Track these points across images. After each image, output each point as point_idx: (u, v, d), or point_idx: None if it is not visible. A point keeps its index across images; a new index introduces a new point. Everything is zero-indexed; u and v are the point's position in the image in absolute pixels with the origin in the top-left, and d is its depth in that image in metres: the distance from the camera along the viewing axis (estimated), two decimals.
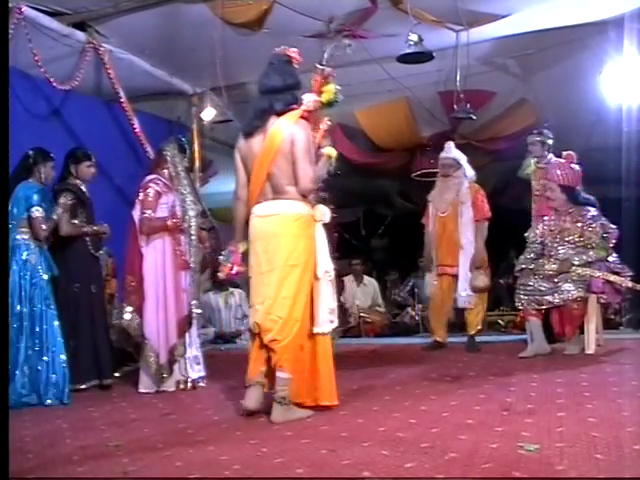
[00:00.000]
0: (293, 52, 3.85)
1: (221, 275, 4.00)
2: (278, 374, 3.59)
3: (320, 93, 3.82)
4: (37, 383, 4.60)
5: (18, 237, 4.67)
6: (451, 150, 6.23)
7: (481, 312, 6.04)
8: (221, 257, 3.95)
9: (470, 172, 6.16)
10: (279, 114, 3.70)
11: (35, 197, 4.72)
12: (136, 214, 4.91)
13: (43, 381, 4.61)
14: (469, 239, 5.98)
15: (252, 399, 3.68)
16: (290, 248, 3.63)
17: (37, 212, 4.67)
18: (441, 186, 6.24)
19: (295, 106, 3.75)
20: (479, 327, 6.06)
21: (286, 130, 3.65)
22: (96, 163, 5.34)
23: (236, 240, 3.90)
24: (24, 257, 4.67)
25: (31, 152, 4.91)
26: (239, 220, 3.88)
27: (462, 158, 6.19)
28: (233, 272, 3.91)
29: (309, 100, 3.76)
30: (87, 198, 5.25)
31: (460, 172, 6.13)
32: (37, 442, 3.47)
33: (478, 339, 6.24)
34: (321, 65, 3.94)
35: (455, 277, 6.09)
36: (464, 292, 5.98)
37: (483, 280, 5.97)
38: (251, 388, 3.69)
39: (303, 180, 3.64)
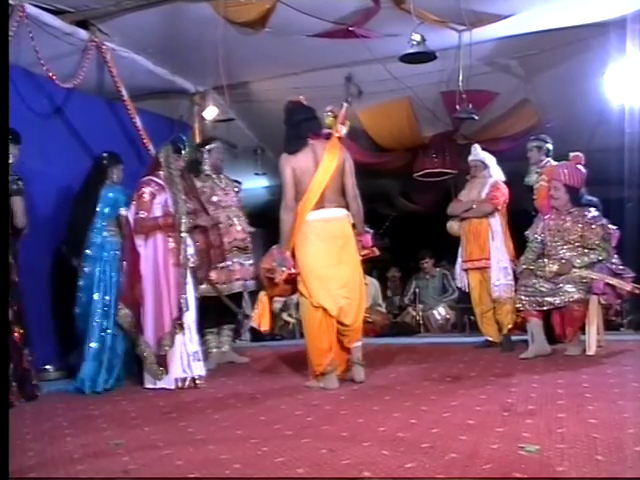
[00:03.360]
0: (302, 99, 4.74)
1: (278, 278, 4.50)
2: (355, 344, 4.59)
3: (344, 124, 4.75)
4: (114, 367, 5.12)
5: (106, 234, 5.24)
6: (477, 152, 6.26)
7: (510, 312, 5.97)
8: (274, 263, 4.50)
9: (496, 173, 6.18)
10: (316, 137, 4.60)
11: (124, 199, 5.27)
12: (131, 214, 5.01)
13: (120, 365, 5.17)
14: (494, 231, 6.01)
15: (336, 381, 4.49)
16: (353, 244, 4.60)
17: (125, 211, 5.10)
18: (469, 186, 6.34)
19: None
20: (510, 326, 6.02)
21: (340, 152, 4.60)
22: None
23: (286, 246, 4.52)
24: (112, 253, 5.22)
25: (105, 155, 5.52)
26: (290, 229, 4.50)
27: (489, 159, 6.23)
28: (291, 274, 4.51)
29: (343, 130, 4.71)
30: None
31: (485, 172, 6.18)
32: (37, 440, 3.47)
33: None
34: (347, 102, 5.03)
35: (484, 269, 6.08)
36: (498, 282, 5.95)
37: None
38: (333, 373, 4.50)
39: (354, 191, 4.65)
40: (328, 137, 4.65)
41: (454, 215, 6.37)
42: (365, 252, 4.75)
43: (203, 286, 5.57)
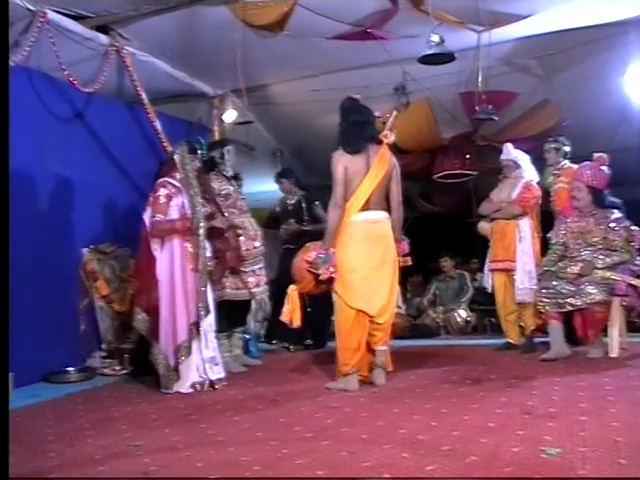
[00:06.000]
0: (359, 97, 4.84)
1: (323, 277, 4.53)
2: (381, 347, 4.66)
3: (392, 131, 4.75)
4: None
5: None
6: (509, 151, 6.20)
7: (534, 315, 5.90)
8: (319, 260, 4.50)
9: (529, 173, 6.09)
10: (370, 140, 4.65)
11: None
12: (147, 217, 4.92)
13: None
14: (524, 233, 5.95)
15: (356, 383, 4.52)
16: (393, 246, 4.67)
17: None
18: (500, 186, 6.28)
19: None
20: (532, 327, 5.98)
21: (390, 158, 4.68)
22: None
23: (330, 243, 4.57)
24: None
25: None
26: (336, 226, 4.56)
27: (522, 158, 6.15)
28: (333, 273, 4.52)
29: (391, 137, 4.71)
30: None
31: (517, 172, 6.10)
32: (59, 441, 3.50)
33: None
34: (397, 110, 5.12)
35: (508, 272, 6.05)
36: (522, 285, 5.90)
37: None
38: (354, 375, 4.54)
39: (399, 197, 4.73)
40: (380, 142, 4.69)
41: (485, 215, 6.33)
42: (398, 259, 4.78)
43: (228, 290, 5.59)
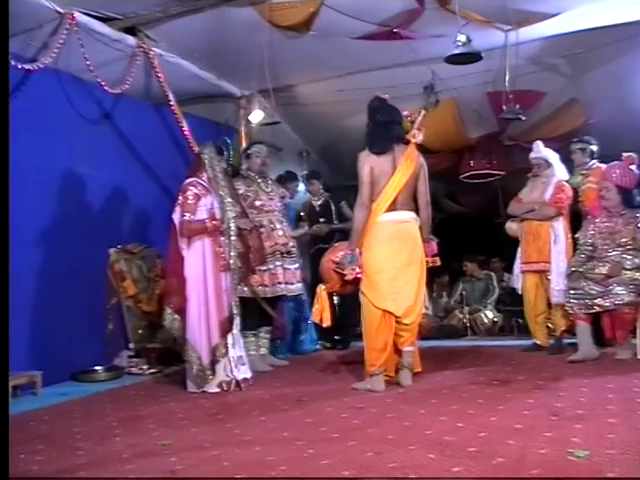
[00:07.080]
0: (387, 97, 4.83)
1: (349, 277, 4.54)
2: (407, 348, 4.64)
3: (420, 130, 4.74)
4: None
5: None
6: (539, 149, 6.12)
7: (565, 315, 5.83)
8: (345, 261, 4.53)
9: (560, 172, 6.02)
10: (400, 141, 4.65)
11: None
12: (176, 217, 4.95)
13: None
14: (557, 234, 5.89)
15: (382, 384, 4.51)
16: (421, 246, 4.67)
17: None
18: (531, 185, 6.20)
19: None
20: (563, 328, 5.92)
21: (417, 158, 4.67)
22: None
23: (356, 244, 4.58)
24: None
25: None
26: (363, 227, 4.57)
27: (553, 157, 6.08)
28: (359, 273, 4.53)
29: (419, 136, 4.69)
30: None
31: (549, 171, 6.03)
32: (87, 439, 3.54)
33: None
34: (425, 109, 5.08)
35: (541, 273, 5.99)
36: (558, 287, 5.80)
37: None
38: (381, 375, 4.53)
39: (426, 197, 4.74)
40: (407, 142, 4.68)
41: (514, 215, 6.26)
42: (426, 260, 4.77)
43: (245, 288, 5.58)
